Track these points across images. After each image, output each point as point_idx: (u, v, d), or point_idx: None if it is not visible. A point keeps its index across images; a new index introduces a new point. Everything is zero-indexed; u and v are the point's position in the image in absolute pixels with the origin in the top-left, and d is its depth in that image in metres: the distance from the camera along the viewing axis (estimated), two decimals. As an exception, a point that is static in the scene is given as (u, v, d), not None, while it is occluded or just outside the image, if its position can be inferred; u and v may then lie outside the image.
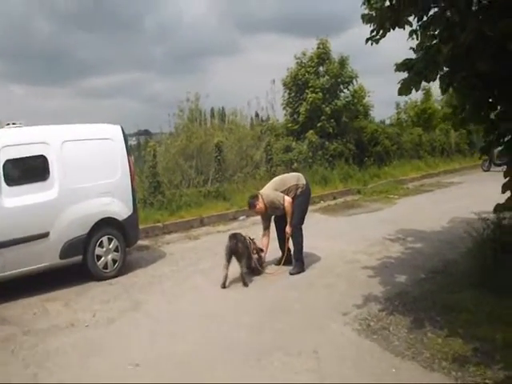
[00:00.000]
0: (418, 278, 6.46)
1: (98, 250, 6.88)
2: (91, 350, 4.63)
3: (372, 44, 5.06)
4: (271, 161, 14.67)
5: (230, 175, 13.72)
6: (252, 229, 10.44)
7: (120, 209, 7.21)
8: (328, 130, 16.59)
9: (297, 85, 17.06)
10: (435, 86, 27.04)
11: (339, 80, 17.10)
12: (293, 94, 17.31)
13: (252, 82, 45.50)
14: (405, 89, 4.88)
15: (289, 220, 6.94)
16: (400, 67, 4.95)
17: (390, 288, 6.08)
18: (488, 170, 21.33)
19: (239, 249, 6.45)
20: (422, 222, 10.05)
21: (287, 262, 7.20)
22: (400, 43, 5.38)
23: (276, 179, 7.30)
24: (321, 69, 17.31)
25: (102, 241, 6.94)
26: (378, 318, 5.18)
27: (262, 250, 7.07)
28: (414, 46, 5.08)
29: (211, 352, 4.50)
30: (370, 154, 18.07)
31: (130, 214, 7.33)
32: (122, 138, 7.52)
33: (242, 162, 14.45)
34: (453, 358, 4.24)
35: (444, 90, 5.19)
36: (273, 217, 7.30)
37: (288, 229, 6.96)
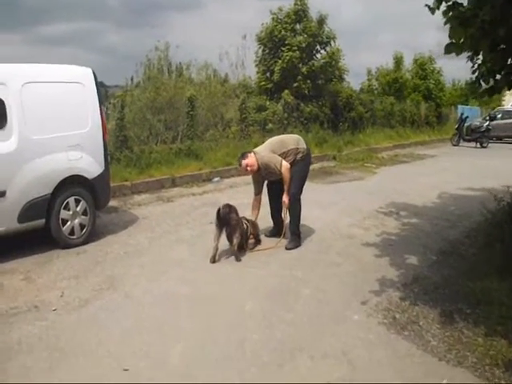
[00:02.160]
0: (429, 260, 5.82)
1: (63, 213, 5.80)
2: (64, 347, 3.64)
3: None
4: (245, 120, 13.65)
5: (201, 133, 12.68)
6: (228, 192, 9.68)
7: (90, 165, 6.12)
8: (303, 91, 15.73)
9: (272, 41, 16.03)
10: (408, 53, 26.78)
11: (317, 40, 16.15)
12: (267, 51, 16.29)
13: (214, 39, 43.48)
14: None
15: (286, 188, 6.06)
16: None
17: (404, 271, 5.36)
18: (457, 145, 21.43)
19: (232, 220, 5.56)
20: (410, 195, 9.63)
21: (277, 234, 6.40)
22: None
23: (273, 140, 6.37)
24: (298, 26, 16.33)
25: (68, 202, 5.85)
26: (402, 308, 4.44)
27: (259, 240, 6.24)
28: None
29: (217, 353, 3.59)
30: (344, 120, 17.38)
31: (101, 171, 6.26)
32: (94, 83, 6.37)
33: (214, 120, 13.40)
34: (504, 365, 3.55)
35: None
36: (266, 182, 6.40)
37: (285, 198, 6.10)
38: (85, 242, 5.98)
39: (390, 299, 4.61)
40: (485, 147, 20.97)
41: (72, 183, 5.90)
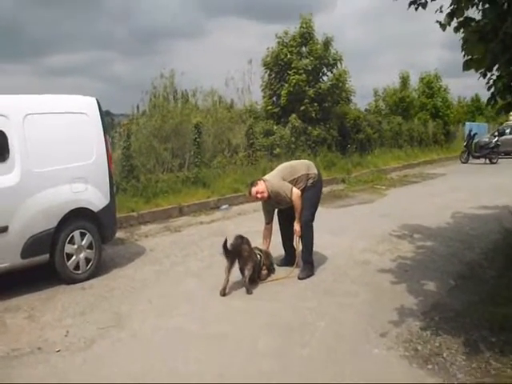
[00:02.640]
0: (448, 286, 5.59)
1: (68, 248, 5.63)
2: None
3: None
4: (253, 145, 13.54)
5: (209, 160, 12.56)
6: (237, 220, 9.49)
7: (95, 197, 5.97)
8: (311, 114, 15.63)
9: (278, 65, 15.99)
10: (413, 73, 26.78)
11: (323, 62, 16.10)
12: (273, 75, 16.24)
13: (219, 66, 43.72)
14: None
15: (297, 216, 5.88)
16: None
17: (422, 299, 5.13)
18: (466, 162, 21.26)
19: (244, 251, 5.38)
20: (422, 216, 9.38)
21: (289, 264, 6.19)
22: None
23: (283, 166, 6.21)
24: (304, 49, 16.30)
25: (73, 236, 5.69)
26: (424, 339, 4.21)
27: (273, 269, 6.03)
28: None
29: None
30: (352, 142, 17.25)
31: (106, 203, 6.10)
32: (98, 112, 6.26)
33: (221, 146, 13.29)
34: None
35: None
36: (276, 210, 6.23)
37: (297, 226, 5.91)
38: (90, 277, 5.79)
39: (410, 329, 4.39)
40: (494, 163, 20.76)
41: (77, 216, 5.74)
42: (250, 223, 8.96)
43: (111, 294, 5.31)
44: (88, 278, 5.76)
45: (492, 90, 5.16)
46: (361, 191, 13.19)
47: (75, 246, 5.71)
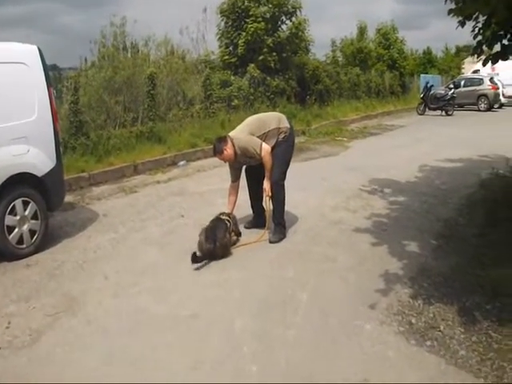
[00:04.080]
0: (430, 246, 5.25)
1: (8, 219, 4.87)
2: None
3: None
4: (210, 97, 12.76)
5: (163, 113, 11.75)
6: (196, 177, 8.90)
7: (38, 160, 5.18)
8: (269, 64, 14.92)
9: (235, 13, 15.07)
10: (370, 24, 26.22)
11: (282, 10, 15.29)
12: (230, 24, 15.34)
13: (172, 15, 41.59)
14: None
15: (267, 174, 5.33)
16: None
17: (406, 262, 4.76)
18: (423, 114, 21.30)
19: (218, 251, 4.81)
20: (389, 170, 9.13)
21: (258, 225, 5.68)
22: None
23: (251, 120, 5.58)
24: (261, -4, 15.36)
25: (14, 206, 4.93)
26: (416, 310, 3.83)
27: (239, 233, 5.47)
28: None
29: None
30: (311, 93, 16.67)
31: (52, 166, 5.32)
32: (40, 62, 5.41)
33: (176, 99, 12.46)
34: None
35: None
36: (244, 167, 5.66)
37: (266, 185, 5.36)
38: (36, 251, 5.07)
39: (399, 299, 4.00)
40: (450, 115, 20.83)
41: (18, 183, 4.96)
42: (210, 180, 8.44)
43: (60, 270, 4.64)
44: (33, 253, 5.03)
45: (478, 38, 4.90)
46: (323, 143, 12.75)
47: (17, 217, 4.94)
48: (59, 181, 5.56)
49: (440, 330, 3.52)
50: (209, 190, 7.74)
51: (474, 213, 6.37)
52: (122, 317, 3.73)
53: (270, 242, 5.28)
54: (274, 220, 5.48)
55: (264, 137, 5.28)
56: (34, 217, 5.14)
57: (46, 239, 5.30)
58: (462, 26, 6.20)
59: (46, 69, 5.46)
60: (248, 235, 5.52)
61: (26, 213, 5.04)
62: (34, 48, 5.38)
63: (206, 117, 12.57)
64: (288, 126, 5.47)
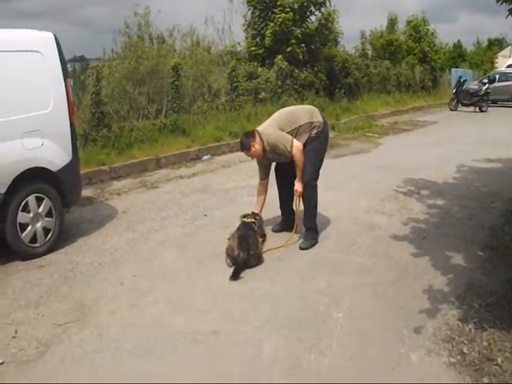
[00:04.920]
0: (477, 259, 4.78)
1: (21, 216, 4.55)
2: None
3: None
4: (236, 89, 12.34)
5: (188, 105, 11.36)
6: (221, 172, 8.49)
7: (53, 154, 4.84)
8: (298, 56, 14.41)
9: (263, 2, 14.51)
10: (403, 12, 25.44)
11: (311, 0, 14.72)
12: (257, 14, 14.82)
13: (198, 5, 41.12)
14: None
15: (298, 174, 4.90)
16: None
17: (452, 277, 4.29)
18: (455, 110, 20.55)
19: (252, 261, 4.41)
20: (425, 169, 8.64)
21: (287, 228, 5.28)
22: None
23: (281, 113, 5.13)
24: (290, -15, 14.82)
25: (27, 202, 4.60)
26: (467, 336, 3.37)
27: (264, 236, 5.05)
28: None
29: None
30: (340, 86, 16.14)
31: (68, 161, 4.99)
32: (57, 51, 5.05)
33: (201, 90, 12.07)
34: None
35: None
36: (273, 164, 5.25)
37: (298, 186, 4.94)
38: (50, 250, 4.75)
39: (447, 321, 3.56)
40: (484, 111, 20.06)
41: (31, 178, 4.63)
42: (235, 176, 8.05)
43: (74, 273, 4.30)
44: (47, 252, 4.71)
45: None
46: (353, 139, 12.22)
47: (30, 215, 4.62)
48: (75, 176, 5.22)
49: (498, 364, 3.06)
50: (234, 187, 7.35)
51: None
52: (136, 331, 3.36)
53: (301, 248, 4.87)
54: (304, 223, 5.06)
55: (295, 132, 4.86)
56: (49, 214, 4.81)
57: (61, 237, 4.99)
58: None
59: (63, 58, 5.11)
60: (276, 239, 5.11)
61: (40, 210, 4.72)
62: (50, 35, 5.03)
63: (231, 109, 12.17)
64: (321, 120, 5.03)
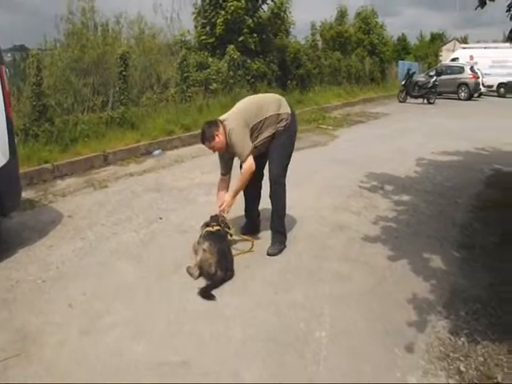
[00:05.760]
0: (454, 260, 4.53)
1: None
2: None
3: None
4: (186, 80, 11.76)
5: (136, 97, 10.72)
6: (174, 169, 7.98)
7: (-15, 154, 4.22)
8: (250, 46, 13.95)
9: (214, -11, 13.93)
10: (351, 5, 25.42)
11: (263, -12, 14.31)
12: (207, 2, 14.23)
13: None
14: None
15: (234, 189, 4.49)
16: None
17: (435, 282, 4.01)
18: (404, 101, 20.80)
19: (228, 279, 3.93)
20: (385, 163, 8.47)
21: (252, 230, 4.91)
22: None
23: (246, 103, 4.59)
24: (241, -27, 14.32)
25: (-46, 210, 3.95)
26: (462, 351, 3.09)
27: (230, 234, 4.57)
28: None
29: None
30: (292, 77, 15.82)
31: (4, 162, 4.33)
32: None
33: (150, 81, 11.43)
34: None
35: None
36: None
37: (225, 196, 4.54)
38: (-16, 265, 4.14)
39: (438, 335, 3.26)
40: (432, 103, 20.38)
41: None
42: (189, 173, 7.57)
43: (14, 293, 3.70)
44: (-19, 266, 4.11)
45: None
46: (307, 132, 11.90)
47: (-41, 224, 3.99)
48: (13, 179, 4.57)
49: (498, 382, 2.78)
50: (189, 184, 6.86)
51: (488, 216, 5.78)
52: (90, 364, 2.85)
53: (269, 254, 4.44)
54: (272, 226, 4.64)
55: (261, 126, 4.41)
56: (-18, 223, 4.18)
57: (-2, 249, 4.36)
58: (482, 7, 5.73)
59: (-5, 41, 4.44)
60: (240, 243, 4.66)
61: (-29, 219, 4.08)
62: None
63: (182, 101, 11.61)
64: (289, 111, 4.56)
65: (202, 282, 3.84)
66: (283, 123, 4.47)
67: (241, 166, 4.53)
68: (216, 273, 3.80)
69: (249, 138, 4.30)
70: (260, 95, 4.95)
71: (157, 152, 9.05)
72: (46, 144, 7.72)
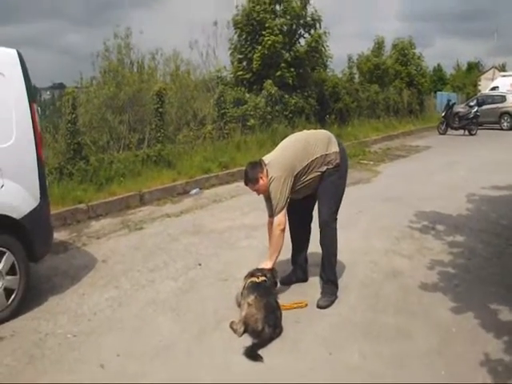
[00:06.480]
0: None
1: (-27, 277, 3.66)
2: None
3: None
4: (224, 116, 11.58)
5: (173, 134, 10.58)
6: (213, 209, 7.67)
7: (16, 198, 3.97)
8: (287, 80, 13.75)
9: (250, 25, 13.87)
10: (388, 39, 25.16)
11: (300, 22, 14.20)
12: (244, 37, 14.18)
13: (179, 33, 40.47)
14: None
15: (269, 253, 4.12)
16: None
17: (507, 339, 3.51)
18: (444, 134, 20.16)
19: (275, 336, 3.53)
20: (433, 200, 7.98)
21: (299, 279, 4.56)
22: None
23: (293, 143, 4.22)
24: (278, 7, 14.28)
25: (-18, 259, 3.70)
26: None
27: (276, 284, 4.19)
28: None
29: None
30: (331, 111, 15.51)
31: (35, 205, 4.11)
32: (21, 71, 4.21)
33: (186, 118, 11.31)
34: None
35: None
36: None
37: (264, 264, 4.07)
38: (13, 315, 3.86)
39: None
40: (473, 135, 19.73)
41: (-12, 227, 3.77)
42: (229, 214, 7.24)
43: (41, 349, 3.39)
44: (9, 318, 3.82)
45: None
46: (349, 168, 11.47)
47: (-13, 273, 3.74)
48: (45, 223, 4.32)
49: None
50: (229, 227, 6.52)
51: None
52: None
53: (320, 306, 4.03)
54: (322, 276, 4.26)
55: (306, 170, 4.06)
56: (11, 271, 3.92)
57: (28, 296, 4.09)
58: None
59: (29, 79, 4.23)
60: (287, 293, 4.29)
61: (1, 266, 3.82)
62: (13, 52, 4.18)
63: (219, 138, 11.41)
64: (337, 150, 4.19)
65: (247, 340, 3.45)
66: (333, 163, 4.13)
67: (288, 207, 4.18)
68: (263, 330, 3.41)
69: (288, 191, 3.97)
70: (307, 132, 4.57)
71: (194, 191, 8.81)
72: (81, 183, 7.58)
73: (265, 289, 3.71)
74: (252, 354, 3.23)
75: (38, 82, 12.96)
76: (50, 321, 3.83)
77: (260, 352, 3.28)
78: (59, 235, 5.96)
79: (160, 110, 9.71)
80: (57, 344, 3.47)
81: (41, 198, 4.17)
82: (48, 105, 11.02)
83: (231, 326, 3.58)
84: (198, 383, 2.96)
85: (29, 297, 4.11)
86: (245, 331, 3.50)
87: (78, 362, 3.24)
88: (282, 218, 3.95)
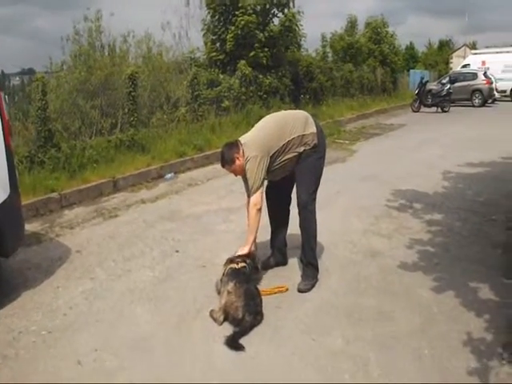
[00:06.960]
0: (504, 287, 4.05)
1: None
2: None
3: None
4: (198, 98, 11.38)
5: (146, 118, 10.36)
6: (189, 193, 7.56)
7: (-17, 190, 3.82)
8: (261, 61, 13.56)
9: (223, 5, 13.60)
10: (361, 17, 25.08)
11: (273, 1, 13.95)
12: (217, 17, 13.90)
13: (151, 14, 39.58)
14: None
15: (246, 236, 4.04)
16: None
17: (488, 317, 3.55)
18: (418, 111, 20.29)
19: (256, 324, 3.45)
20: (410, 178, 8.04)
21: (279, 263, 4.51)
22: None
23: (270, 124, 4.13)
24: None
25: None
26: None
27: (258, 269, 4.13)
28: None
29: None
30: (305, 91, 15.41)
31: (4, 197, 3.93)
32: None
33: (159, 101, 11.07)
34: None
35: None
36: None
37: (241, 249, 3.97)
38: (-16, 314, 3.73)
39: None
40: (446, 111, 19.91)
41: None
42: (205, 198, 7.14)
43: (15, 349, 3.26)
44: (-20, 316, 3.69)
45: None
46: (325, 148, 11.47)
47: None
48: (15, 216, 4.16)
49: None
50: (205, 211, 6.42)
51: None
52: None
53: (300, 290, 3.99)
54: (302, 258, 4.22)
55: (282, 150, 3.98)
56: (-20, 267, 3.76)
57: (0, 292, 3.95)
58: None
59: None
60: (268, 278, 4.23)
61: (-32, 263, 3.67)
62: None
63: (193, 121, 11.21)
64: (315, 130, 4.11)
65: (227, 328, 3.38)
66: (311, 143, 4.05)
67: (268, 189, 4.13)
68: (244, 318, 3.34)
69: (264, 171, 3.88)
70: (285, 112, 4.47)
71: (169, 175, 8.64)
72: (53, 171, 7.34)
73: (244, 275, 3.64)
74: (233, 343, 3.16)
75: (7, 68, 12.65)
76: (24, 317, 3.69)
77: (242, 340, 3.21)
78: (31, 226, 5.78)
79: (133, 93, 9.47)
80: (31, 342, 3.34)
81: (10, 189, 3.99)
82: (17, 91, 10.68)
83: (211, 315, 3.51)
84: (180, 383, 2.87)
85: (0, 293, 3.96)
86: (225, 319, 3.44)
87: (53, 359, 3.13)
88: (258, 197, 3.87)
